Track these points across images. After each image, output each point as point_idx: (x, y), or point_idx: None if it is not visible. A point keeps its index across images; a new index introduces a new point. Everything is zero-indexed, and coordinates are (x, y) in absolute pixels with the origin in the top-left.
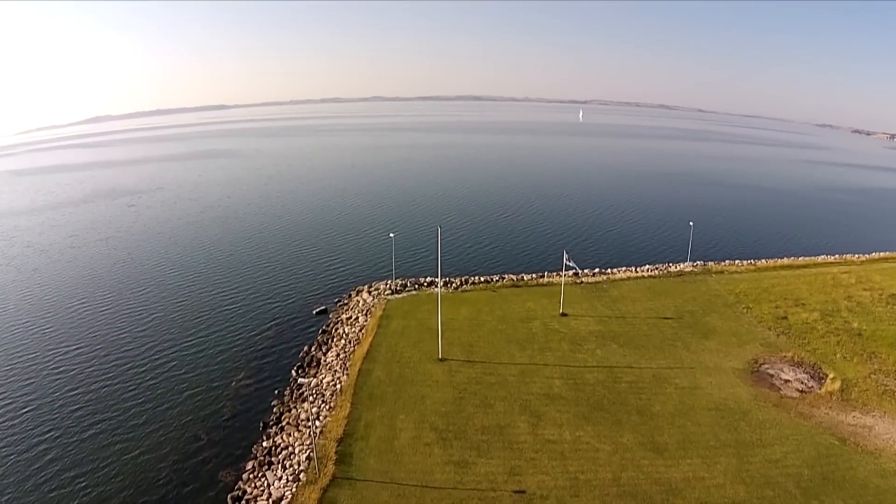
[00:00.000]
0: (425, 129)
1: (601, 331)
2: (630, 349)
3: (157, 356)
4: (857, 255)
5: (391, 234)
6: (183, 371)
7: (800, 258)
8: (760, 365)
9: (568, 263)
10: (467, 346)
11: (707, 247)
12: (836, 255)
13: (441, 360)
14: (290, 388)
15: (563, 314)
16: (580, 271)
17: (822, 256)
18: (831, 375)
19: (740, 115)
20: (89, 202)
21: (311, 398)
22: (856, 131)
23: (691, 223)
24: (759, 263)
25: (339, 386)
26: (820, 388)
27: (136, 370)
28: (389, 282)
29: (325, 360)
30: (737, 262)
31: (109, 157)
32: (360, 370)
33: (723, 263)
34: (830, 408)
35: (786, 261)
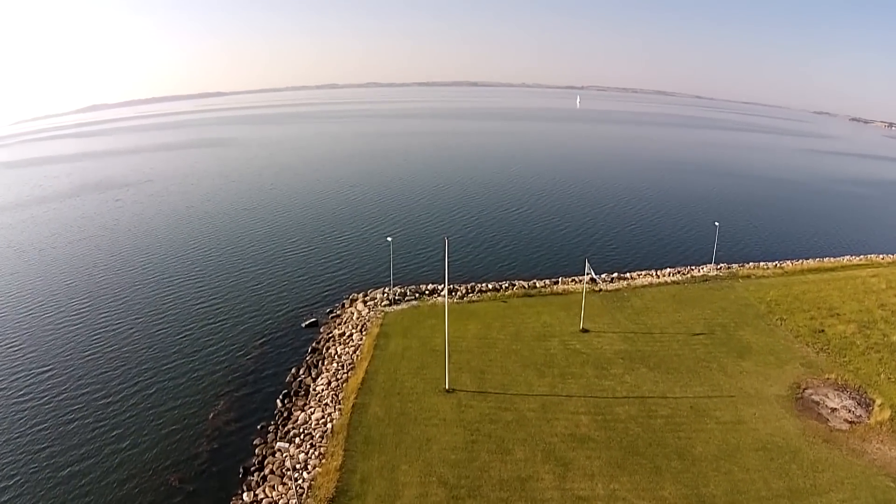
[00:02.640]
0: (423, 116)
1: (628, 350)
2: (662, 373)
3: (132, 382)
4: (881, 256)
5: (388, 239)
6: (161, 402)
7: (825, 259)
8: (804, 390)
9: (591, 274)
10: (478, 372)
11: (729, 247)
12: (862, 256)
13: (448, 391)
14: (275, 423)
15: (584, 330)
16: (600, 279)
17: (847, 257)
18: (878, 402)
19: (738, 101)
20: (76, 196)
21: (297, 440)
22: (853, 119)
23: (717, 223)
24: (785, 266)
25: (330, 426)
26: (868, 418)
27: (109, 400)
28: (387, 289)
29: (314, 389)
30: (761, 264)
31: (102, 147)
32: (354, 405)
33: (747, 266)
34: (882, 441)
35: (812, 263)
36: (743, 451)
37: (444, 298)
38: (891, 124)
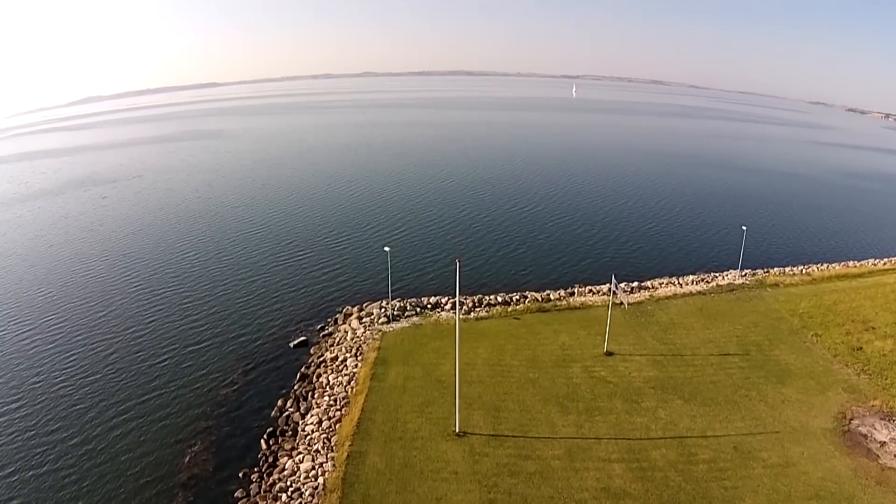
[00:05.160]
0: (419, 106)
1: (658, 378)
2: (698, 406)
3: (107, 418)
4: None
5: (386, 248)
6: (136, 444)
7: (850, 263)
8: (850, 420)
9: (616, 291)
10: (492, 409)
11: (750, 250)
12: (886, 260)
13: (459, 434)
14: (259, 471)
15: (608, 353)
16: (620, 291)
17: (872, 261)
18: None
19: (733, 91)
20: (62, 194)
21: (284, 497)
22: (850, 110)
23: (744, 227)
24: (812, 272)
25: (321, 480)
26: None
27: (82, 443)
28: (384, 303)
29: (303, 429)
30: (787, 269)
31: (93, 141)
32: (349, 454)
33: (772, 271)
34: None
35: (838, 268)
36: (795, 501)
37: (448, 314)
38: (887, 115)
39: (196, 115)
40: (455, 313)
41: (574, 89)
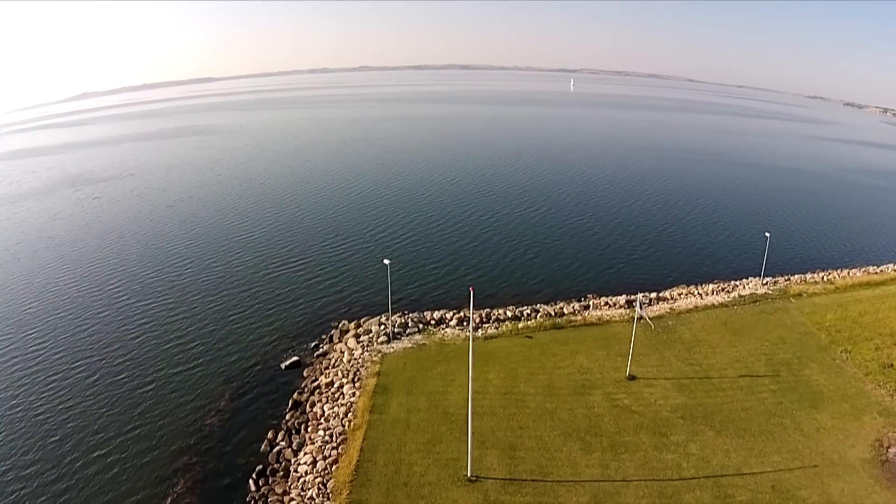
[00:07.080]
0: (417, 101)
1: (686, 405)
2: (731, 438)
3: (84, 453)
4: None
5: (386, 261)
6: (113, 487)
7: (870, 268)
8: (887, 449)
9: (641, 312)
10: (507, 448)
11: (771, 255)
12: None
13: (471, 479)
14: None
15: (631, 377)
16: (643, 313)
17: (892, 265)
18: None
19: (732, 85)
20: (52, 193)
21: None
22: (848, 104)
23: (767, 234)
24: (835, 280)
25: None
26: None
27: (59, 488)
28: (384, 318)
29: (295, 469)
30: (808, 276)
31: (86, 138)
32: (348, 503)
33: (794, 279)
34: None
35: (860, 275)
36: None
37: (454, 331)
38: (885, 109)
39: (192, 110)
40: (464, 331)
41: (572, 83)
